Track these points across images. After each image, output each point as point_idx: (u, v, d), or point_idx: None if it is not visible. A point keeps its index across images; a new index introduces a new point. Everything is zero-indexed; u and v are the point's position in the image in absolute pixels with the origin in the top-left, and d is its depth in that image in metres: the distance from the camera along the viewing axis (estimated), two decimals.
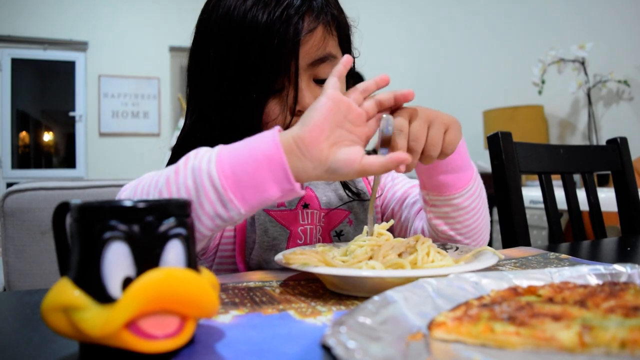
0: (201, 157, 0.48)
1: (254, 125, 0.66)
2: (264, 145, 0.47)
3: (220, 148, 0.49)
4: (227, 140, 0.66)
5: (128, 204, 0.31)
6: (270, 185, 0.46)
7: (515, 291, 0.39)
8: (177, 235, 0.33)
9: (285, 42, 0.62)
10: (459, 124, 0.59)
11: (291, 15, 0.62)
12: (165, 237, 0.32)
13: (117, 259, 0.30)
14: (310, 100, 0.65)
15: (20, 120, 5.15)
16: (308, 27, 0.64)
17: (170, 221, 0.32)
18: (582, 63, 2.40)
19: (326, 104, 0.48)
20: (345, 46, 0.73)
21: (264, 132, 0.48)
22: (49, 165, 5.50)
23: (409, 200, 0.80)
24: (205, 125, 0.70)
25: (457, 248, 0.60)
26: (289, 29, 0.62)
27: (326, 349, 0.27)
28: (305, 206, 0.76)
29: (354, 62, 0.78)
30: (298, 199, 0.75)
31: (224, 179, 0.46)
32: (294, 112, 0.66)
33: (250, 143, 0.48)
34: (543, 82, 2.50)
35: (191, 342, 0.35)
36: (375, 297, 0.36)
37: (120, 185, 1.34)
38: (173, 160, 0.74)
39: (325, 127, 0.48)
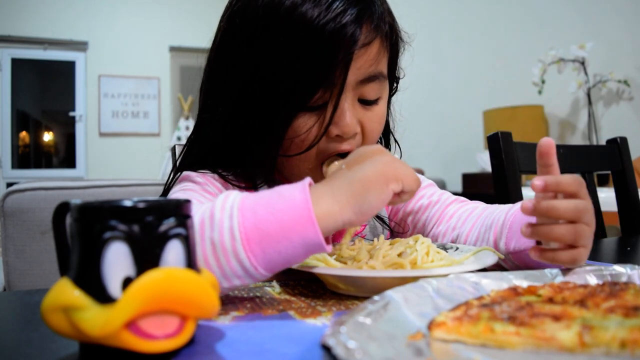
0: (220, 226, 0.41)
1: (278, 136, 0.59)
2: (304, 231, 0.40)
3: (241, 217, 0.41)
4: (245, 147, 0.61)
5: (128, 203, 0.31)
6: (302, 258, 0.43)
7: (515, 291, 0.39)
8: (177, 235, 0.32)
9: (337, 52, 0.54)
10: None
11: (347, 23, 0.54)
12: (166, 237, 0.32)
13: (117, 259, 0.30)
14: (351, 122, 0.58)
15: (20, 120, 5.15)
16: (365, 39, 0.56)
17: (170, 221, 0.32)
18: (582, 63, 2.40)
19: (388, 196, 0.43)
20: (392, 65, 0.66)
21: (300, 212, 0.40)
22: (49, 165, 5.50)
23: (425, 204, 0.75)
24: (223, 130, 0.63)
25: (457, 248, 0.60)
26: (344, 37, 0.54)
27: (326, 349, 0.27)
28: None
29: (397, 83, 0.71)
30: None
31: (254, 258, 0.41)
32: (326, 131, 0.58)
33: (284, 221, 0.40)
34: (543, 82, 2.50)
35: (191, 342, 0.35)
36: (375, 297, 0.36)
37: (121, 185, 1.33)
38: (182, 164, 0.68)
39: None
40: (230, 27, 0.61)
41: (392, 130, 0.75)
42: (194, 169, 0.67)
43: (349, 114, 0.58)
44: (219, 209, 0.42)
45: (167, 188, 0.69)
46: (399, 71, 0.70)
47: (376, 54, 0.59)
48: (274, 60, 0.56)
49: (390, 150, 0.76)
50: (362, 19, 0.56)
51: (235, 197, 0.43)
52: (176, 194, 0.62)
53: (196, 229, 0.41)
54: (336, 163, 0.55)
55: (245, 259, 0.40)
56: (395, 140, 0.77)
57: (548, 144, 0.47)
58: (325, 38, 0.54)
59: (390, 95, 0.71)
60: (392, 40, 0.64)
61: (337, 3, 0.54)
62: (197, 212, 0.43)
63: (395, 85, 0.72)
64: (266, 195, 0.42)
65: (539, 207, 0.44)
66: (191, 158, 0.68)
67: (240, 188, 0.66)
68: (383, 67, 0.62)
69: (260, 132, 0.60)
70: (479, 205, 0.69)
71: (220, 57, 0.63)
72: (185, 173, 0.66)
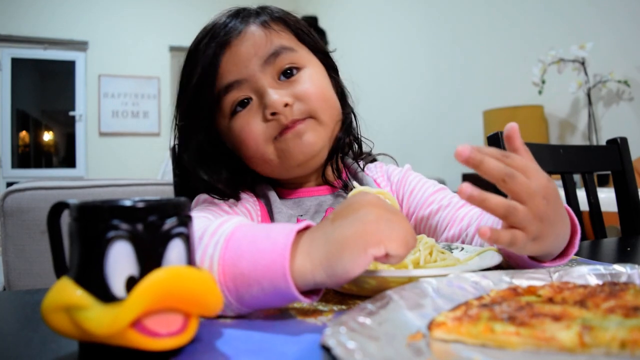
0: (204, 251, 0.40)
1: (235, 146, 0.66)
2: (276, 281, 0.38)
3: (224, 248, 0.40)
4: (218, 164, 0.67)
5: (132, 203, 0.31)
6: (278, 304, 0.41)
7: (515, 291, 0.39)
8: (179, 234, 0.33)
9: (215, 45, 0.63)
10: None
11: (220, 25, 0.64)
12: (168, 236, 0.32)
13: (120, 258, 0.30)
14: (275, 96, 0.62)
15: (20, 120, 5.15)
16: (236, 28, 0.64)
17: (173, 220, 0.32)
18: (582, 63, 2.40)
19: (365, 262, 0.38)
20: (307, 42, 0.70)
21: (276, 258, 0.38)
22: (49, 165, 5.50)
23: (434, 209, 0.74)
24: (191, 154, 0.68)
25: (462, 248, 0.60)
26: (219, 34, 0.63)
27: (326, 349, 0.27)
28: None
29: (329, 57, 0.75)
30: (320, 221, 0.71)
31: (228, 292, 0.40)
32: (267, 117, 0.63)
33: (260, 265, 0.38)
34: (543, 82, 2.50)
35: (193, 340, 0.35)
36: (376, 297, 0.36)
37: (121, 185, 1.33)
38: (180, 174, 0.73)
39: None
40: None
41: (348, 101, 0.75)
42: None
43: (270, 90, 0.62)
44: (210, 234, 0.41)
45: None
46: (324, 46, 0.73)
47: (262, 35, 0.64)
48: (193, 85, 0.66)
49: (353, 120, 0.76)
50: (235, 17, 0.65)
51: (229, 225, 0.42)
52: (195, 212, 0.63)
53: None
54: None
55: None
56: (353, 112, 0.76)
57: (511, 128, 0.47)
58: (204, 46, 0.64)
59: (331, 69, 0.74)
60: (279, 19, 0.68)
61: (221, 19, 0.66)
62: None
63: (330, 60, 0.74)
64: (258, 229, 0.41)
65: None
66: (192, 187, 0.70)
67: (253, 199, 0.69)
68: (283, 42, 0.66)
69: (213, 147, 0.66)
70: None
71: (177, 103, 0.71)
72: (204, 196, 0.68)
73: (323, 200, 0.71)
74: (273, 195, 0.68)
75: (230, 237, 0.40)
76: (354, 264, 0.37)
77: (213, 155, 0.67)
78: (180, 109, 0.67)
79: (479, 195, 0.41)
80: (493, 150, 0.43)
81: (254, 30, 0.64)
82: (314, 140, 0.65)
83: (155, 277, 0.30)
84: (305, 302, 0.39)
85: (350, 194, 0.58)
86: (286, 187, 0.71)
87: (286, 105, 0.62)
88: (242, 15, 0.66)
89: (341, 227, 0.39)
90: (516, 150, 0.47)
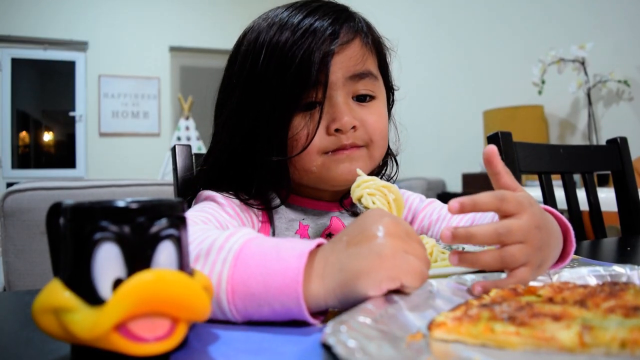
0: (211, 268, 0.40)
1: (280, 138, 0.62)
2: (288, 303, 0.38)
3: (232, 266, 0.40)
4: (253, 161, 0.63)
5: (120, 204, 0.30)
6: (286, 320, 0.40)
7: (515, 291, 0.39)
8: (169, 237, 0.32)
9: (313, 51, 0.59)
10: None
11: (325, 27, 0.60)
12: (157, 238, 0.31)
13: (107, 260, 0.29)
14: (347, 115, 0.61)
15: (20, 120, 5.15)
16: (344, 37, 0.61)
17: (162, 222, 0.31)
18: (582, 63, 2.40)
19: (379, 294, 0.38)
20: (384, 73, 0.70)
21: (289, 283, 0.37)
22: (49, 165, 5.50)
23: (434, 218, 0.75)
24: (231, 149, 0.65)
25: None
26: (320, 37, 0.59)
27: (326, 348, 0.27)
28: (330, 236, 0.68)
29: (393, 95, 0.74)
30: (322, 229, 0.69)
31: (235, 310, 0.39)
32: (330, 132, 0.61)
33: (271, 287, 0.38)
34: (543, 82, 2.50)
35: (184, 344, 0.34)
36: (376, 297, 0.36)
37: (121, 185, 1.33)
38: (208, 177, 0.69)
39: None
40: (229, 64, 0.68)
41: (390, 146, 0.74)
42: (213, 188, 0.67)
43: (344, 107, 0.61)
44: (217, 249, 0.41)
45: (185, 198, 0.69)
46: (392, 82, 0.73)
47: (360, 53, 0.63)
48: (263, 71, 0.61)
49: (387, 168, 0.75)
50: (338, 20, 0.61)
51: (237, 240, 0.41)
52: (195, 212, 0.61)
53: (191, 258, 0.41)
54: (368, 197, 0.56)
55: (227, 310, 0.39)
56: (394, 158, 0.76)
57: (489, 151, 0.47)
58: (303, 41, 0.59)
59: (389, 108, 0.73)
60: (375, 42, 0.67)
61: (316, 15, 0.61)
62: (197, 240, 0.42)
63: (392, 97, 0.74)
64: (267, 247, 0.40)
65: (457, 234, 0.41)
66: (205, 181, 0.68)
67: (259, 209, 0.67)
68: (371, 67, 0.65)
69: (263, 141, 0.62)
70: None
71: (222, 87, 0.69)
72: (208, 192, 0.66)
73: (328, 213, 0.71)
74: (275, 200, 0.67)
75: (238, 254, 0.40)
76: (368, 293, 0.37)
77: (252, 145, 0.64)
78: (246, 92, 0.63)
79: (471, 260, 0.43)
80: (487, 197, 0.43)
81: (357, 45, 0.63)
82: (362, 170, 0.64)
83: (137, 280, 0.29)
84: (313, 323, 0.39)
85: (355, 184, 0.59)
86: (296, 192, 0.69)
87: (353, 127, 0.62)
88: (350, 23, 0.64)
89: (356, 256, 0.38)
90: (497, 174, 0.47)
